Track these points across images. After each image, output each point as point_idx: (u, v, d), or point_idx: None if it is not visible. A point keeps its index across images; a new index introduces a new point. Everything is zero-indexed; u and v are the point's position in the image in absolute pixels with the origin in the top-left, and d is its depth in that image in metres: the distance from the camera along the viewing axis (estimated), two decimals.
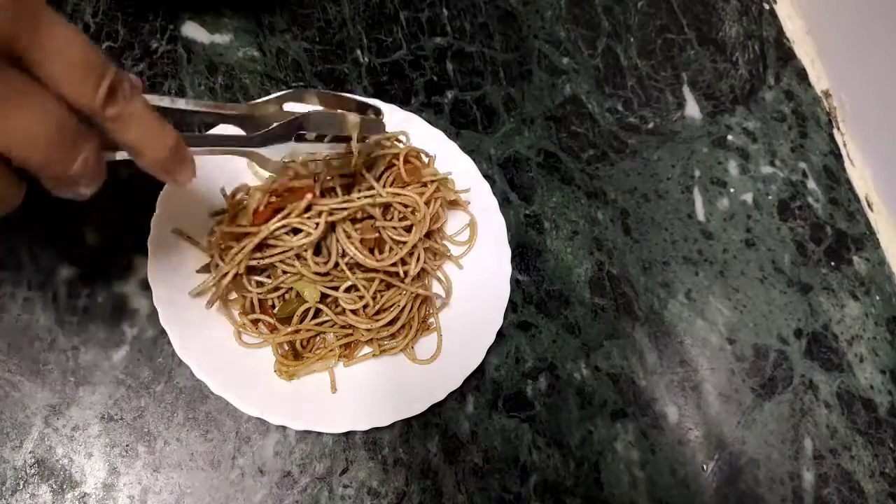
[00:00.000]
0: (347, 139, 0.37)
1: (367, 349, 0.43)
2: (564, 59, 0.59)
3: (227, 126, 0.36)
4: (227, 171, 0.44)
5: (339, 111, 0.37)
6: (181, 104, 0.31)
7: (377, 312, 0.43)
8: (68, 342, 0.41)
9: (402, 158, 0.45)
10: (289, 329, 0.41)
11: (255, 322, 0.42)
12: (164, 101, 0.31)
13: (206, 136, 0.34)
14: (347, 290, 0.42)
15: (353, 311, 0.42)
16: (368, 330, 0.42)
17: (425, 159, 0.47)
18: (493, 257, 0.47)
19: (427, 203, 0.44)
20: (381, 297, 0.43)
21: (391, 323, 0.43)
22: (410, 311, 0.43)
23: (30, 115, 0.21)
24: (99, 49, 0.23)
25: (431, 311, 0.45)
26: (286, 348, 0.42)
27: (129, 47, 0.50)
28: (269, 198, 0.40)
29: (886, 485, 0.47)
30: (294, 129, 0.34)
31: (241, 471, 0.40)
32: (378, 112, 0.40)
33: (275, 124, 0.33)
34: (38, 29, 0.21)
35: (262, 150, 0.33)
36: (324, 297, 0.42)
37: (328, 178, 0.39)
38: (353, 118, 0.36)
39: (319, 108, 0.38)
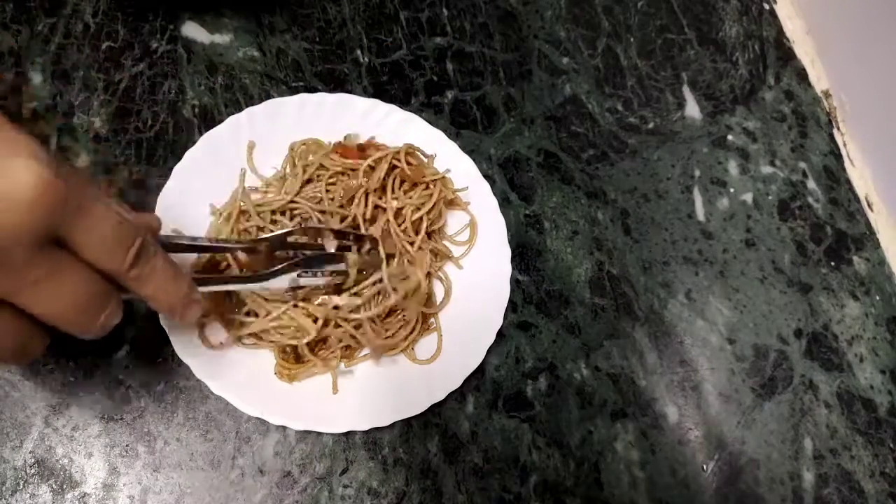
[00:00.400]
0: (345, 272, 0.40)
1: (367, 349, 0.43)
2: (564, 59, 0.59)
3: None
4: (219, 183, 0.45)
5: (341, 253, 0.41)
6: (197, 241, 0.35)
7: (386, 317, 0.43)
8: (68, 342, 0.41)
9: (403, 157, 0.45)
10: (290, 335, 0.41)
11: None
12: (184, 240, 0.35)
13: (216, 277, 0.37)
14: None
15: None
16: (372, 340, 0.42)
17: (424, 159, 0.47)
18: (493, 257, 0.47)
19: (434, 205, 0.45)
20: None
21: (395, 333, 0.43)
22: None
23: (69, 289, 0.23)
24: (129, 219, 0.25)
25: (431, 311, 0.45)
26: (287, 351, 0.41)
27: (129, 47, 0.50)
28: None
29: (886, 485, 0.47)
30: (296, 269, 0.37)
31: (241, 471, 0.40)
32: (375, 242, 0.43)
33: (279, 266, 0.37)
34: (81, 213, 0.23)
35: (267, 284, 0.37)
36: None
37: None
38: (352, 257, 0.39)
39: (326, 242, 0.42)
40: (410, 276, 0.41)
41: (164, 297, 0.28)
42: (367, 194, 0.44)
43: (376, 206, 0.45)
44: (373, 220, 0.44)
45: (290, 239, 0.39)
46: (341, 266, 0.39)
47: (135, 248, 0.25)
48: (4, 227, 0.21)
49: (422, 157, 0.47)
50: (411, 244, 0.44)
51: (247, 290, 0.36)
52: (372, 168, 0.45)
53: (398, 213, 0.45)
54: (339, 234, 0.42)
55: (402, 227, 0.44)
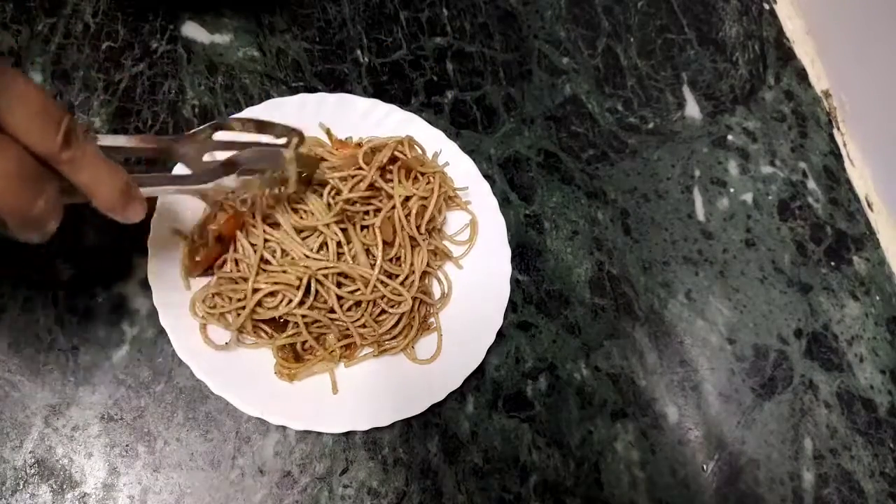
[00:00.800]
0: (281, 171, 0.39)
1: (367, 349, 0.43)
2: (564, 59, 0.59)
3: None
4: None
5: (272, 148, 0.39)
6: (122, 141, 0.34)
7: (380, 313, 0.43)
8: (68, 342, 0.41)
9: (407, 146, 0.45)
10: (289, 333, 0.41)
11: (255, 328, 0.42)
12: (107, 140, 0.34)
13: (154, 176, 0.36)
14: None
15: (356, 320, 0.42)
16: (368, 336, 0.42)
17: (421, 152, 0.47)
18: (493, 257, 0.47)
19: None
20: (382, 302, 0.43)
21: (393, 326, 0.43)
22: (411, 312, 0.43)
23: (2, 164, 0.23)
24: (55, 98, 0.26)
25: (431, 311, 0.45)
26: (286, 351, 0.41)
27: (129, 47, 0.50)
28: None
29: (886, 485, 0.47)
30: (232, 168, 0.36)
31: (241, 471, 0.40)
32: (301, 134, 0.41)
33: (213, 162, 0.37)
34: (4, 87, 0.23)
35: (206, 187, 0.36)
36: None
37: (267, 204, 0.41)
38: (288, 154, 0.38)
39: (252, 138, 0.40)
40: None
41: (102, 189, 0.27)
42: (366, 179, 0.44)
43: (379, 189, 0.44)
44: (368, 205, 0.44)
45: (216, 137, 0.38)
46: (276, 164, 0.38)
47: (63, 125, 0.24)
48: None
49: (419, 150, 0.47)
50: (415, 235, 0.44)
51: (188, 191, 0.36)
52: (372, 152, 0.45)
53: (404, 202, 0.44)
54: (265, 127, 0.40)
55: (408, 216, 0.44)
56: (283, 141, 0.41)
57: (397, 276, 0.43)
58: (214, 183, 0.36)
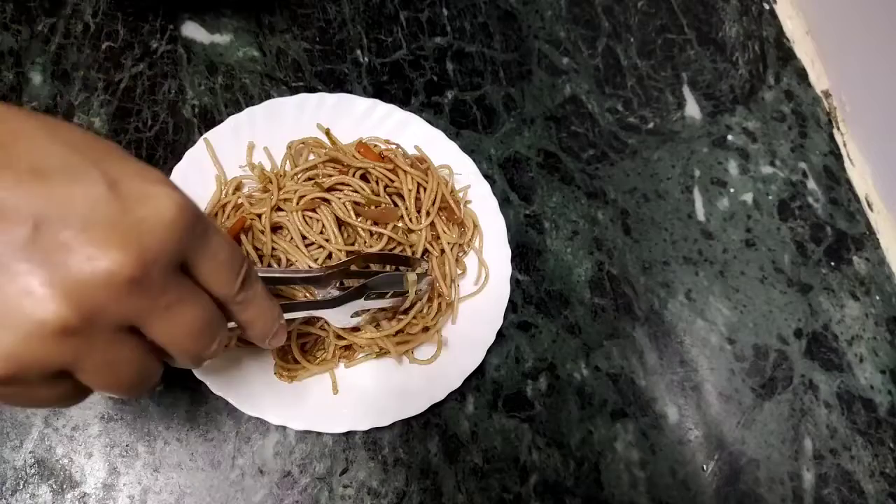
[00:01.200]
0: (405, 292, 0.41)
1: (366, 352, 0.43)
2: (564, 59, 0.59)
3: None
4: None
5: (398, 272, 0.42)
6: (277, 273, 0.38)
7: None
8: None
9: (449, 195, 0.47)
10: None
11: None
12: (263, 272, 0.37)
13: (297, 303, 0.38)
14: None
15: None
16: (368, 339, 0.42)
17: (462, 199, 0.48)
18: (493, 257, 0.47)
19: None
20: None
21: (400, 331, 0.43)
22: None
23: (192, 315, 0.23)
24: (237, 245, 0.26)
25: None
26: (286, 352, 0.41)
27: (129, 47, 0.50)
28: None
29: (886, 485, 0.47)
30: (363, 292, 0.38)
31: (241, 471, 0.40)
32: (418, 262, 0.44)
33: (347, 289, 0.39)
34: (206, 238, 0.24)
35: (341, 308, 0.38)
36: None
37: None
38: (411, 277, 0.40)
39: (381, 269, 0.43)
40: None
41: (261, 323, 0.28)
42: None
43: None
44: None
45: (353, 268, 0.41)
46: (401, 287, 0.41)
47: (243, 272, 0.26)
48: (148, 248, 0.21)
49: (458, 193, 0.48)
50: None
51: (322, 314, 0.38)
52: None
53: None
54: (390, 259, 0.43)
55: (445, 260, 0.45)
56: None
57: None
58: (349, 305, 0.38)
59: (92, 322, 0.20)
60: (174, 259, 0.22)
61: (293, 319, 0.39)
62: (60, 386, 0.22)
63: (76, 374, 0.21)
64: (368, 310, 0.41)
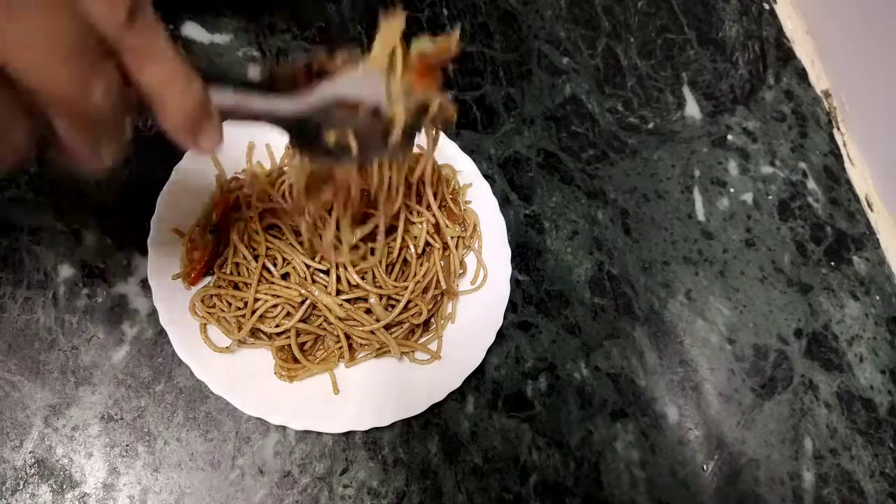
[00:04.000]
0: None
1: (367, 351, 0.43)
2: (564, 59, 0.59)
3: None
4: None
5: (374, 75, 0.29)
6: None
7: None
8: (68, 342, 0.41)
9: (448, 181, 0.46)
10: (285, 337, 0.41)
11: (254, 332, 0.42)
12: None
13: (242, 97, 0.25)
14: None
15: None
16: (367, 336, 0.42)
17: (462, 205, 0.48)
18: (493, 257, 0.47)
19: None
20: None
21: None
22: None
23: (43, 20, 0.18)
24: None
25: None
26: (286, 352, 0.41)
27: None
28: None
29: (886, 485, 0.47)
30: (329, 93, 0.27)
31: (241, 471, 0.40)
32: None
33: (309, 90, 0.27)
34: None
35: (302, 101, 0.27)
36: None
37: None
38: (394, 83, 0.28)
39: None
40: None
41: (170, 99, 0.21)
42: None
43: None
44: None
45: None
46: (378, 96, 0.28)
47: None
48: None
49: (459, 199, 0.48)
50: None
51: (280, 111, 0.26)
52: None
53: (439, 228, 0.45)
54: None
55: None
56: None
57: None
58: (316, 101, 0.26)
59: None
60: None
61: (229, 115, 0.25)
62: None
63: None
64: (341, 125, 0.28)
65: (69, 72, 0.19)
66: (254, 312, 0.40)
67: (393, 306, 0.42)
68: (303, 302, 0.40)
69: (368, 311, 0.41)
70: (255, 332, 0.41)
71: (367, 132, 0.29)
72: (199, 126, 0.23)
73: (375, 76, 0.28)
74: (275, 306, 0.40)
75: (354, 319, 0.41)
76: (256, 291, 0.40)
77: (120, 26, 0.19)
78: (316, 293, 0.40)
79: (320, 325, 0.41)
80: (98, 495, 0.38)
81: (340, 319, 0.41)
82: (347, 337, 0.41)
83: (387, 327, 0.42)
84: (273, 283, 0.40)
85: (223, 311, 0.41)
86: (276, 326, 0.40)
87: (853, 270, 0.55)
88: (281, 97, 0.26)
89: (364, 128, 0.28)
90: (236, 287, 0.41)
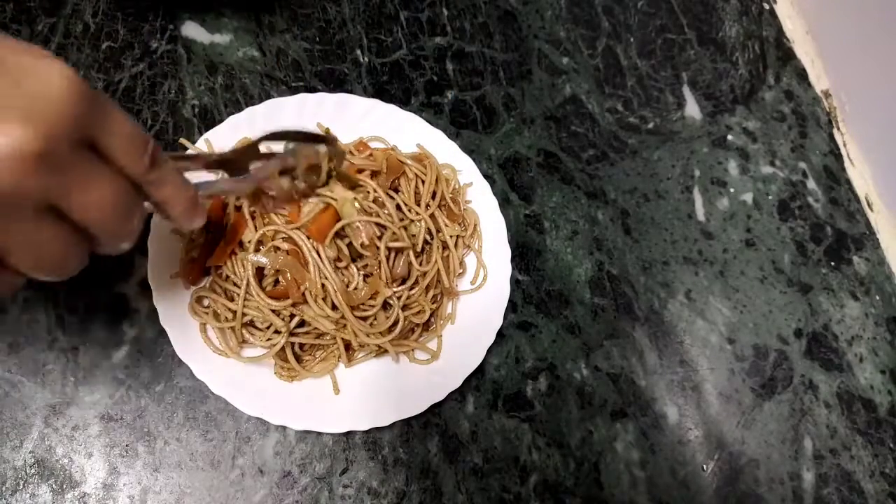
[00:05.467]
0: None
1: (366, 351, 0.43)
2: (564, 59, 0.59)
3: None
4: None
5: (309, 144, 0.39)
6: (187, 163, 0.36)
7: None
8: (68, 342, 0.41)
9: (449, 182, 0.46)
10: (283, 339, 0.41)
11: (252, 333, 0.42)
12: (173, 155, 0.34)
13: (210, 183, 0.36)
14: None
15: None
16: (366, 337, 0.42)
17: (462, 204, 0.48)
18: (493, 257, 0.47)
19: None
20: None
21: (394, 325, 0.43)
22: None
23: (108, 191, 0.24)
24: (139, 124, 0.27)
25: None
26: (285, 353, 0.41)
27: (129, 47, 0.50)
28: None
29: (886, 485, 0.47)
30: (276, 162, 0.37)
31: (241, 471, 0.40)
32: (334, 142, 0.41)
33: (261, 165, 0.37)
34: (106, 115, 0.24)
35: (252, 176, 0.36)
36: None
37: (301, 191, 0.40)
38: (322, 150, 0.38)
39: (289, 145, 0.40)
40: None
41: (177, 203, 0.29)
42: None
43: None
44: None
45: (263, 149, 0.38)
46: (314, 158, 0.38)
47: (150, 150, 0.26)
48: (49, 121, 0.21)
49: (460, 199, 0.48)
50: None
51: (237, 189, 0.36)
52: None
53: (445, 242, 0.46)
54: (303, 137, 0.39)
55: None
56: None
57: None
58: (268, 172, 0.36)
59: (10, 203, 0.21)
60: (77, 132, 0.23)
61: (210, 198, 0.38)
62: None
63: (4, 256, 0.22)
64: (288, 170, 0.37)
65: (117, 219, 0.25)
66: (244, 325, 0.41)
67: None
68: (292, 317, 0.40)
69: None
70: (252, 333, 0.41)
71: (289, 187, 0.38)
72: (193, 213, 0.30)
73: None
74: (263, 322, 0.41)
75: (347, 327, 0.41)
76: (244, 306, 0.40)
77: (144, 172, 0.26)
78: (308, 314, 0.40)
79: (313, 333, 0.41)
80: (98, 495, 0.38)
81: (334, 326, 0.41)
82: (344, 339, 0.42)
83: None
84: (261, 299, 0.40)
85: (217, 313, 0.41)
86: (268, 340, 0.41)
87: (853, 270, 0.55)
88: (237, 178, 0.36)
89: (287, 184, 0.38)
90: (227, 295, 0.41)
